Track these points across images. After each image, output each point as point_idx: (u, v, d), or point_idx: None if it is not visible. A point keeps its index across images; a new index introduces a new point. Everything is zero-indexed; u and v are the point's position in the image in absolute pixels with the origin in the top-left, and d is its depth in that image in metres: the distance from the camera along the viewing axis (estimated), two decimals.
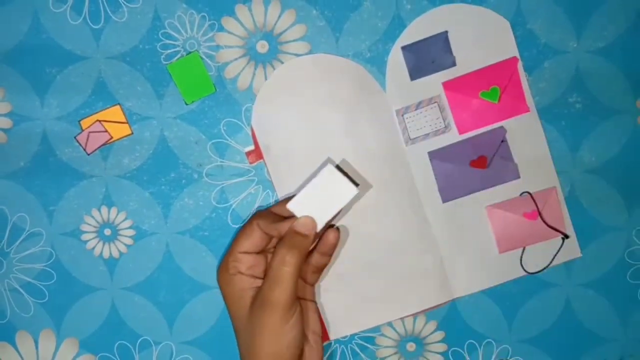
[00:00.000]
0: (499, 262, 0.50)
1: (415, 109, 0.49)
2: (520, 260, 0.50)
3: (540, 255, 0.50)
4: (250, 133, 0.49)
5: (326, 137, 0.49)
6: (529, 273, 0.50)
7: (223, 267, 0.44)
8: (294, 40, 0.49)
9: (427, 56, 0.49)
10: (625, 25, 0.49)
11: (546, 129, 0.50)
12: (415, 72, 0.49)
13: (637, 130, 0.50)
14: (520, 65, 0.49)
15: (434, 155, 0.50)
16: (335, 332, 0.51)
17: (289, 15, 0.48)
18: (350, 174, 0.49)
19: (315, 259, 0.46)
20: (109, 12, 0.48)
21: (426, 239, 0.50)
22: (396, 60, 0.49)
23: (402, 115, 0.49)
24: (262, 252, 0.45)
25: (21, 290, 0.50)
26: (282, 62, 0.49)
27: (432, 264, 0.50)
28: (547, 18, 0.49)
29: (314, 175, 0.44)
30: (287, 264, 0.41)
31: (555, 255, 0.50)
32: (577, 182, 0.50)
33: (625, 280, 0.52)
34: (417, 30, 0.49)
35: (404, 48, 0.49)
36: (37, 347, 0.51)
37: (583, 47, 0.49)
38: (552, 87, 0.50)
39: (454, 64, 0.49)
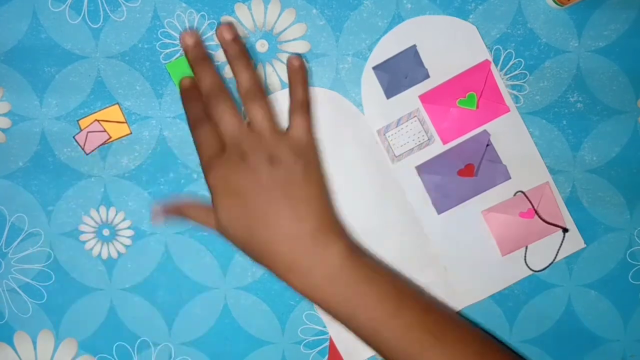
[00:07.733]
0: (503, 265, 0.50)
1: (396, 126, 0.49)
2: (525, 259, 0.50)
3: (544, 251, 0.50)
4: None
5: None
6: (535, 271, 0.50)
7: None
8: (294, 39, 0.48)
9: (400, 72, 0.48)
10: (627, 24, 0.49)
11: (547, 129, 0.50)
12: (390, 90, 0.49)
13: (638, 130, 0.50)
14: (493, 67, 0.49)
15: (421, 169, 0.49)
16: (352, 359, 0.51)
17: (289, 14, 0.48)
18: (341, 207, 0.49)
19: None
20: (108, 12, 0.48)
21: (426, 252, 0.50)
22: (369, 81, 0.49)
23: (384, 135, 0.49)
24: None
25: (19, 291, 0.50)
26: (282, 62, 0.49)
27: (435, 276, 0.50)
28: (547, 17, 0.49)
29: None
30: None
31: (559, 249, 0.50)
32: (578, 181, 0.50)
33: (627, 280, 0.51)
34: (385, 48, 0.48)
35: (375, 68, 0.49)
36: (35, 348, 0.51)
37: (584, 46, 0.49)
38: (553, 87, 0.49)
39: (427, 76, 0.49)
